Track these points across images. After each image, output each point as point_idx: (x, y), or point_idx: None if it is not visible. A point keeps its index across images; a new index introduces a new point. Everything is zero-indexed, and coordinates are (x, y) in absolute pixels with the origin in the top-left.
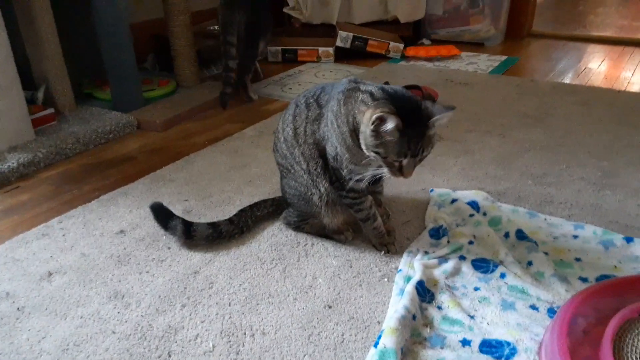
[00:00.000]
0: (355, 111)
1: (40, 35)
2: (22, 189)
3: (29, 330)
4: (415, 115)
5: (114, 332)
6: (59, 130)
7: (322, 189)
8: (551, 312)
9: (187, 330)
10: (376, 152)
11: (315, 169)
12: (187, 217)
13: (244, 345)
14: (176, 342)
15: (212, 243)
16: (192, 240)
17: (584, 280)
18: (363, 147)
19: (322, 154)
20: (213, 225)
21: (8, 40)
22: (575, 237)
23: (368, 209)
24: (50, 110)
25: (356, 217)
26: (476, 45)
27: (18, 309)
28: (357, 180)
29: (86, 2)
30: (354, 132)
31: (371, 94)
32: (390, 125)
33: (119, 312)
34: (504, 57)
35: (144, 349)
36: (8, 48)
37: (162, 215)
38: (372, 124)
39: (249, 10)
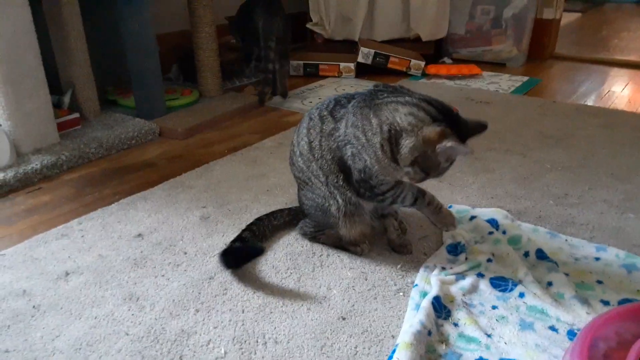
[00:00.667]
0: (397, 123)
1: (69, 41)
2: (44, 190)
3: (44, 328)
4: (460, 131)
5: (127, 334)
6: (82, 135)
7: (341, 201)
8: (571, 334)
9: (200, 335)
10: (419, 169)
11: (336, 182)
12: (205, 224)
13: (255, 353)
14: (188, 346)
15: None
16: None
17: (606, 303)
18: (403, 159)
19: (342, 168)
20: (241, 239)
21: (38, 45)
22: (597, 259)
23: (409, 190)
24: (76, 115)
25: (405, 207)
26: (498, 66)
27: (34, 307)
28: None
29: (114, 12)
30: (389, 143)
31: (421, 108)
32: (456, 153)
33: (133, 314)
34: (525, 78)
35: (156, 351)
36: (37, 53)
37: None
38: (438, 148)
39: (283, 16)
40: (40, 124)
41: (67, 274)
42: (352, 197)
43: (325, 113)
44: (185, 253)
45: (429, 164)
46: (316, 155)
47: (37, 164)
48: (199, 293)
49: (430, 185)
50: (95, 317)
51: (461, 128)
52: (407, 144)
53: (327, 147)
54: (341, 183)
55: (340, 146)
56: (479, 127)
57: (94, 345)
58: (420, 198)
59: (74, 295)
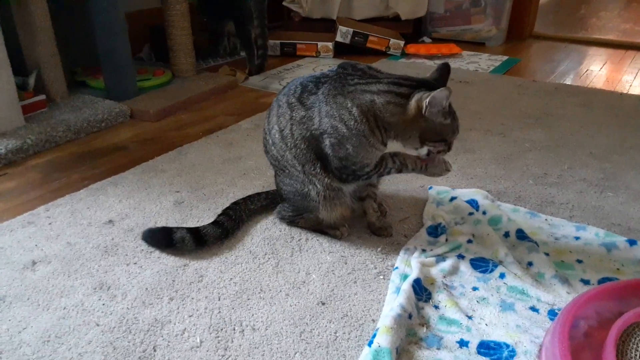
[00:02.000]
0: (380, 110)
1: (33, 20)
2: (10, 176)
3: (10, 320)
4: (434, 87)
5: (97, 325)
6: (49, 118)
7: (320, 186)
8: (552, 314)
9: (174, 324)
10: (434, 142)
11: (313, 170)
12: (178, 209)
13: (232, 341)
14: (162, 336)
15: (222, 242)
16: (206, 246)
17: (586, 282)
18: (411, 143)
19: (319, 156)
20: (217, 223)
21: None
22: (577, 238)
23: (392, 164)
24: (42, 97)
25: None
26: (477, 45)
27: None
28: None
29: None
30: (377, 128)
31: (393, 89)
32: (441, 101)
33: (103, 304)
34: (505, 58)
35: (129, 342)
36: None
37: (160, 235)
38: (425, 111)
39: None
40: (3, 107)
41: (34, 263)
42: (331, 182)
43: (293, 100)
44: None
45: (436, 132)
46: (289, 144)
47: (1, 149)
48: (173, 281)
49: None
50: (64, 308)
51: (432, 84)
52: (400, 127)
53: (299, 136)
54: (318, 171)
55: (315, 135)
56: (445, 69)
57: (63, 337)
58: (405, 167)
59: (41, 285)
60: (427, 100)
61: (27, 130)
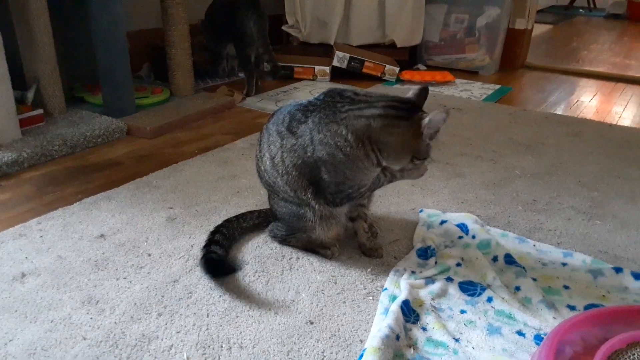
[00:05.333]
0: (376, 133)
1: (34, 35)
2: (3, 188)
3: None
4: (419, 108)
5: (84, 338)
6: (46, 132)
7: (316, 207)
8: (538, 338)
9: (162, 340)
10: (417, 159)
11: (304, 195)
12: (171, 225)
13: (219, 359)
14: (149, 351)
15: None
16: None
17: (572, 308)
18: (399, 161)
19: (311, 182)
20: (217, 244)
21: (1, 38)
22: (564, 264)
23: (384, 177)
24: (39, 111)
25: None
26: (471, 74)
27: None
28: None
29: (84, 7)
30: (373, 152)
31: (387, 112)
32: (437, 123)
33: (91, 318)
34: (497, 86)
35: (115, 357)
36: (0, 46)
37: (225, 265)
38: (423, 130)
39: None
40: (1, 120)
41: (23, 275)
42: (321, 208)
43: (282, 129)
44: (149, 255)
45: (421, 150)
46: (280, 171)
47: None
48: (162, 296)
49: (402, 191)
50: (52, 321)
51: (418, 105)
52: (396, 148)
53: (291, 163)
54: (310, 196)
55: (308, 163)
56: (423, 92)
57: (49, 350)
58: (394, 177)
59: (29, 297)
60: (426, 122)
61: (24, 144)
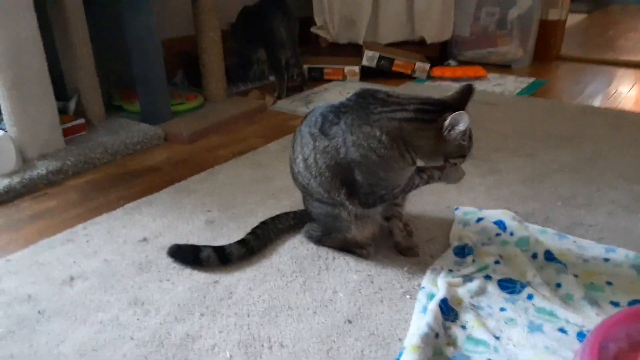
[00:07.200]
0: (413, 133)
1: (74, 47)
2: (50, 195)
3: (49, 333)
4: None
5: (132, 339)
6: (88, 140)
7: (351, 207)
8: (581, 335)
9: (205, 339)
10: (453, 158)
11: (338, 196)
12: (210, 228)
13: (261, 357)
14: (193, 350)
15: (247, 260)
16: (230, 264)
17: (616, 304)
18: (441, 159)
19: (344, 183)
20: (243, 242)
21: (43, 50)
22: (607, 260)
23: (419, 180)
24: (81, 121)
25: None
26: (503, 67)
27: (39, 312)
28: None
29: (119, 16)
30: (407, 152)
31: (418, 114)
32: (459, 123)
33: (138, 319)
34: (531, 79)
35: (162, 356)
36: (43, 58)
37: (186, 253)
38: (447, 131)
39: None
40: (46, 130)
41: (72, 278)
42: (354, 208)
43: (314, 130)
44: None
45: (451, 151)
46: (313, 173)
47: (42, 170)
48: (204, 297)
49: (437, 189)
50: (100, 322)
51: (453, 106)
52: (428, 150)
53: (324, 165)
54: (343, 197)
55: (341, 164)
56: (467, 90)
57: (99, 350)
58: (432, 179)
59: (79, 300)
60: (446, 123)
61: (67, 152)
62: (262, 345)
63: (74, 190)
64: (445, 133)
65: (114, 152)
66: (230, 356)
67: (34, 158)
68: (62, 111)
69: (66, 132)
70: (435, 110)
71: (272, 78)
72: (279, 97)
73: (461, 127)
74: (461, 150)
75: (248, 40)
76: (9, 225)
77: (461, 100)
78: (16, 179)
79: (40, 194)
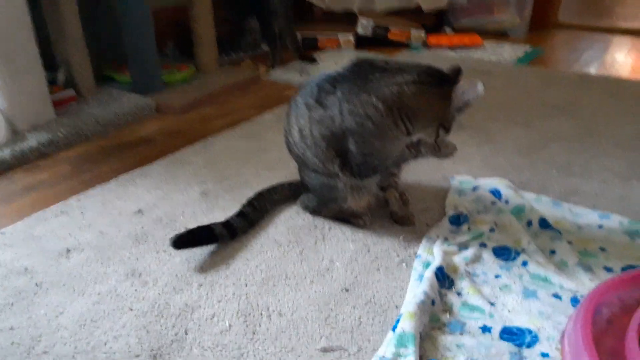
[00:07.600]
0: (413, 97)
1: (62, 17)
2: (41, 167)
3: (47, 305)
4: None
5: (131, 309)
6: (78, 112)
7: (344, 178)
8: (574, 301)
9: (204, 309)
10: (443, 129)
11: (332, 167)
12: (205, 199)
13: (260, 326)
14: (193, 320)
15: (247, 233)
16: (237, 237)
17: (609, 270)
18: (434, 129)
19: (339, 153)
20: (242, 215)
21: (31, 21)
22: (600, 227)
23: (408, 153)
24: (71, 92)
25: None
26: (500, 35)
27: (36, 284)
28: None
29: None
30: (401, 120)
31: (420, 79)
32: (469, 94)
33: (136, 290)
34: (528, 48)
35: (161, 326)
36: (30, 29)
37: (200, 236)
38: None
39: None
40: (35, 101)
41: (68, 251)
42: (348, 180)
43: (310, 100)
44: (186, 228)
45: (449, 119)
46: (308, 143)
47: (33, 142)
48: (202, 268)
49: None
50: (99, 294)
51: (452, 79)
52: (425, 114)
53: (319, 135)
54: (337, 168)
55: (336, 134)
56: (457, 71)
57: (98, 321)
58: (420, 153)
59: (75, 272)
60: (459, 89)
61: (58, 124)
62: (261, 314)
63: (66, 162)
64: (455, 99)
65: (105, 123)
66: (230, 325)
67: (25, 130)
68: (52, 82)
69: (56, 103)
70: (438, 77)
71: (265, 47)
72: (272, 67)
73: (474, 94)
74: (452, 121)
75: (240, 8)
76: (2, 198)
77: (453, 78)
78: (7, 151)
79: (32, 166)
